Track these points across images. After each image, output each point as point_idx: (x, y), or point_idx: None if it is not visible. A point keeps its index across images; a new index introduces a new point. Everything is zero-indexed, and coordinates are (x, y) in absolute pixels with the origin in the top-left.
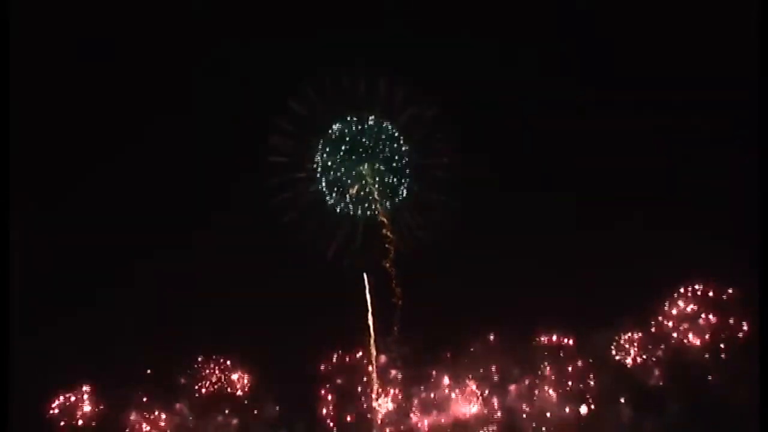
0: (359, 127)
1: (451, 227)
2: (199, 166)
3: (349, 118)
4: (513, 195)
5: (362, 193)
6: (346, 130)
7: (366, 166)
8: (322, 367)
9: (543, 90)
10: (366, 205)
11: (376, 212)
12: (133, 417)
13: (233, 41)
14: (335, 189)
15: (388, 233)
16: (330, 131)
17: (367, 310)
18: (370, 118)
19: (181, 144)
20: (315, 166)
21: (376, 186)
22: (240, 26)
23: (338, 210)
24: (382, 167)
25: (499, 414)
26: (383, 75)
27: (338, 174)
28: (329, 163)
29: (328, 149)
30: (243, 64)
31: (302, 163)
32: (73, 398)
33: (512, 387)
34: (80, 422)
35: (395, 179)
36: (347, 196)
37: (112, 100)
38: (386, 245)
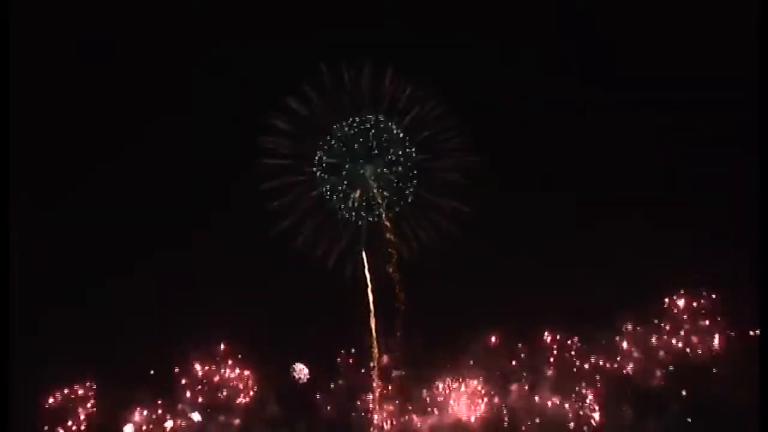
0: (362, 128)
1: (457, 232)
2: (199, 166)
3: (351, 119)
4: (513, 195)
5: (365, 197)
6: (349, 132)
7: (369, 169)
8: (324, 368)
9: (543, 90)
10: (369, 209)
11: (380, 217)
12: (135, 417)
13: (233, 41)
14: (337, 193)
15: (392, 237)
16: (331, 132)
17: (369, 312)
18: (373, 118)
19: (181, 144)
20: (316, 168)
21: (380, 190)
22: (240, 26)
23: (340, 215)
24: (385, 170)
25: (500, 415)
26: (386, 75)
27: (340, 177)
28: (331, 166)
29: (329, 151)
30: (243, 64)
31: (303, 165)
32: (73, 397)
33: (513, 387)
34: (82, 422)
35: (399, 182)
36: (350, 200)
37: (112, 100)
38: (389, 250)
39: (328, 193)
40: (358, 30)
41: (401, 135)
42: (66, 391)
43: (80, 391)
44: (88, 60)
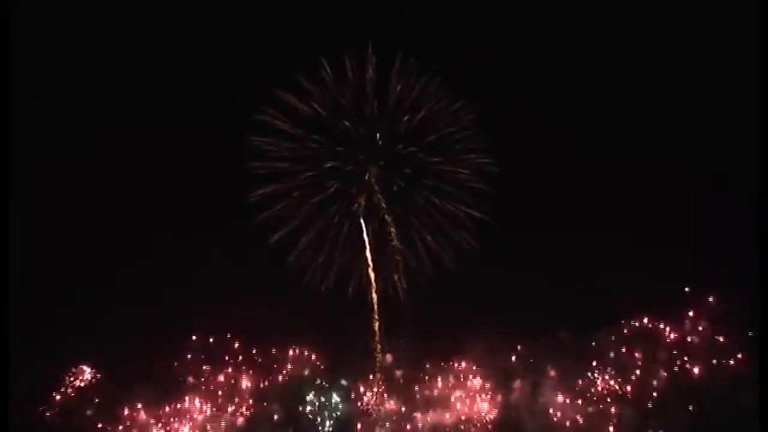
0: (366, 127)
1: (469, 240)
2: (200, 166)
3: (355, 118)
4: (512, 196)
5: (369, 201)
6: (352, 131)
7: (374, 172)
8: (326, 367)
9: (541, 92)
10: (373, 214)
11: (385, 223)
12: (141, 415)
13: (232, 41)
14: (339, 198)
15: (397, 244)
16: (333, 132)
17: (373, 313)
18: (379, 116)
19: (180, 144)
20: (317, 170)
21: (384, 194)
22: (240, 25)
23: (343, 220)
24: (390, 172)
25: (501, 414)
26: (392, 71)
27: (343, 180)
28: (332, 168)
29: (331, 153)
30: (242, 64)
31: (303, 167)
32: (73, 395)
33: (514, 387)
34: (83, 421)
35: (406, 186)
36: (354, 205)
37: (112, 100)
38: (395, 257)
39: (330, 196)
40: (360, 28)
41: (407, 134)
42: (67, 389)
43: (83, 391)
44: (86, 60)
